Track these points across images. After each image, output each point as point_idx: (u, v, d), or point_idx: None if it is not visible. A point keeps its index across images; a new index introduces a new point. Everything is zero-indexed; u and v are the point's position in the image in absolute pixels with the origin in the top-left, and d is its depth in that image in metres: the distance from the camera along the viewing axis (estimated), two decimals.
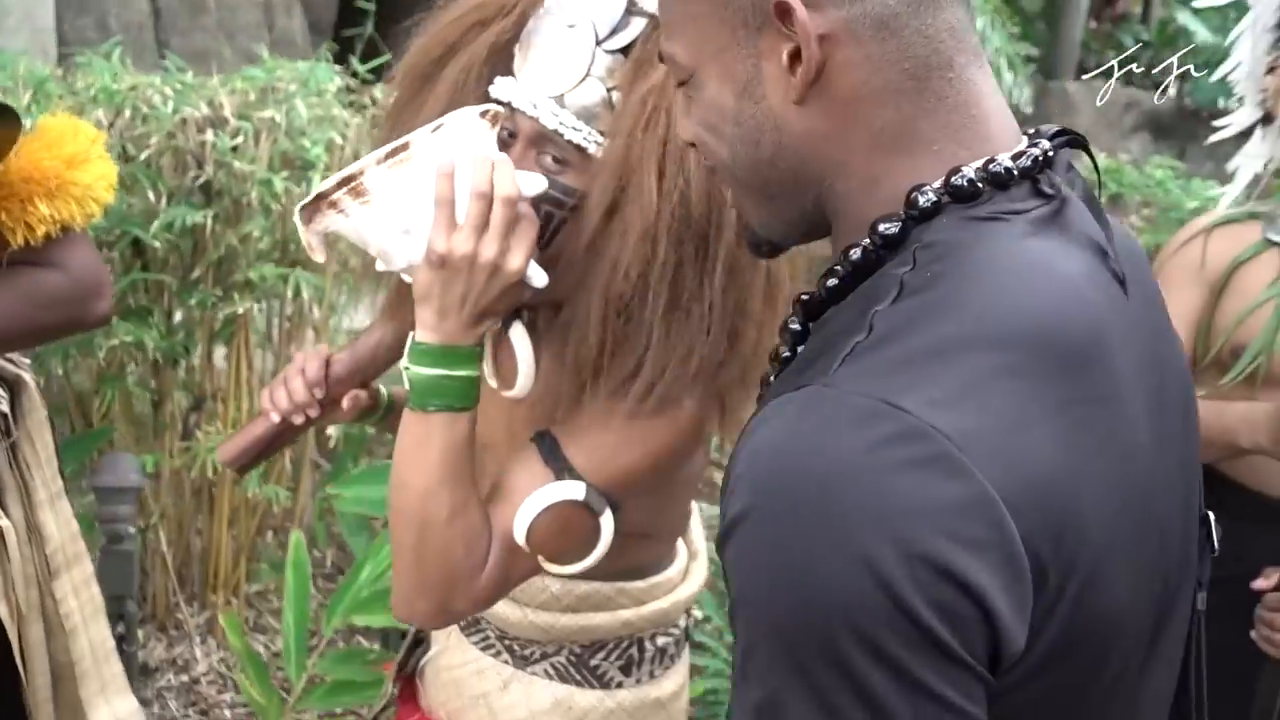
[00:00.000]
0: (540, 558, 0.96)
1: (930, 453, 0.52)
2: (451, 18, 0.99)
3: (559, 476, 0.94)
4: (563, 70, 0.92)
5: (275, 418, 1.16)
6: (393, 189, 0.86)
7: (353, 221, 0.87)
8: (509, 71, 0.96)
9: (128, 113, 1.92)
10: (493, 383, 1.08)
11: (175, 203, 2.00)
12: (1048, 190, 0.61)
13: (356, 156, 2.35)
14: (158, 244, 1.98)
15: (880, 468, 0.52)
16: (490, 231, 0.85)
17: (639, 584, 1.15)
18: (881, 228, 0.62)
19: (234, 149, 2.02)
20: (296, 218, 0.87)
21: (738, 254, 0.91)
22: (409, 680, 1.31)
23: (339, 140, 2.26)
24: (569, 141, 0.93)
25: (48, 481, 1.34)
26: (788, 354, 0.70)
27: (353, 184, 0.86)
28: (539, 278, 0.90)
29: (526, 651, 1.16)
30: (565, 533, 0.97)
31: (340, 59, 2.51)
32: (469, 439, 0.92)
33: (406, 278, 0.93)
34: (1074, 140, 0.65)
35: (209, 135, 1.98)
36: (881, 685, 0.51)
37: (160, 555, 2.42)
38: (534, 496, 0.94)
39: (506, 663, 1.18)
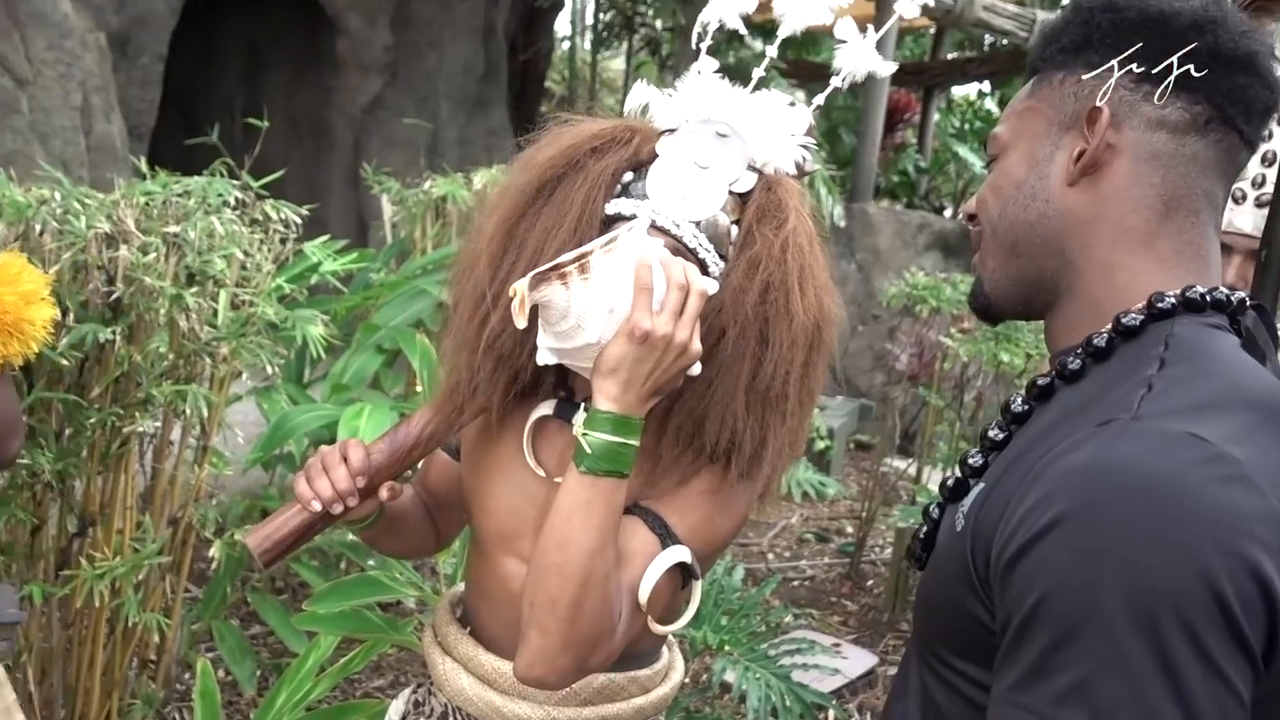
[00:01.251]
0: (649, 618, 1.06)
1: (1235, 472, 0.64)
2: (572, 141, 1.12)
3: (664, 544, 1.05)
4: (699, 201, 1.08)
5: (317, 506, 1.15)
6: (607, 272, 0.97)
7: (569, 294, 0.97)
8: (620, 193, 1.11)
9: (38, 227, 1.86)
10: (539, 472, 1.16)
11: (82, 319, 1.94)
12: (1246, 324, 0.80)
13: (259, 270, 2.35)
14: (65, 362, 1.90)
15: (1200, 480, 0.63)
16: (684, 318, 0.99)
17: (646, 671, 1.24)
18: (1124, 320, 0.78)
19: (145, 265, 1.98)
20: (523, 283, 0.96)
21: (824, 359, 1.10)
22: None
23: (239, 255, 2.25)
24: (700, 259, 1.08)
25: None
26: (1004, 431, 0.85)
27: (582, 262, 0.97)
28: (697, 367, 1.03)
29: None
30: (673, 595, 1.09)
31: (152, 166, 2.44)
32: (622, 505, 1.02)
33: (549, 356, 1.04)
34: (1258, 305, 0.84)
35: (122, 250, 1.94)
36: (1188, 665, 0.60)
37: (26, 694, 2.23)
38: (660, 559, 1.04)
39: None
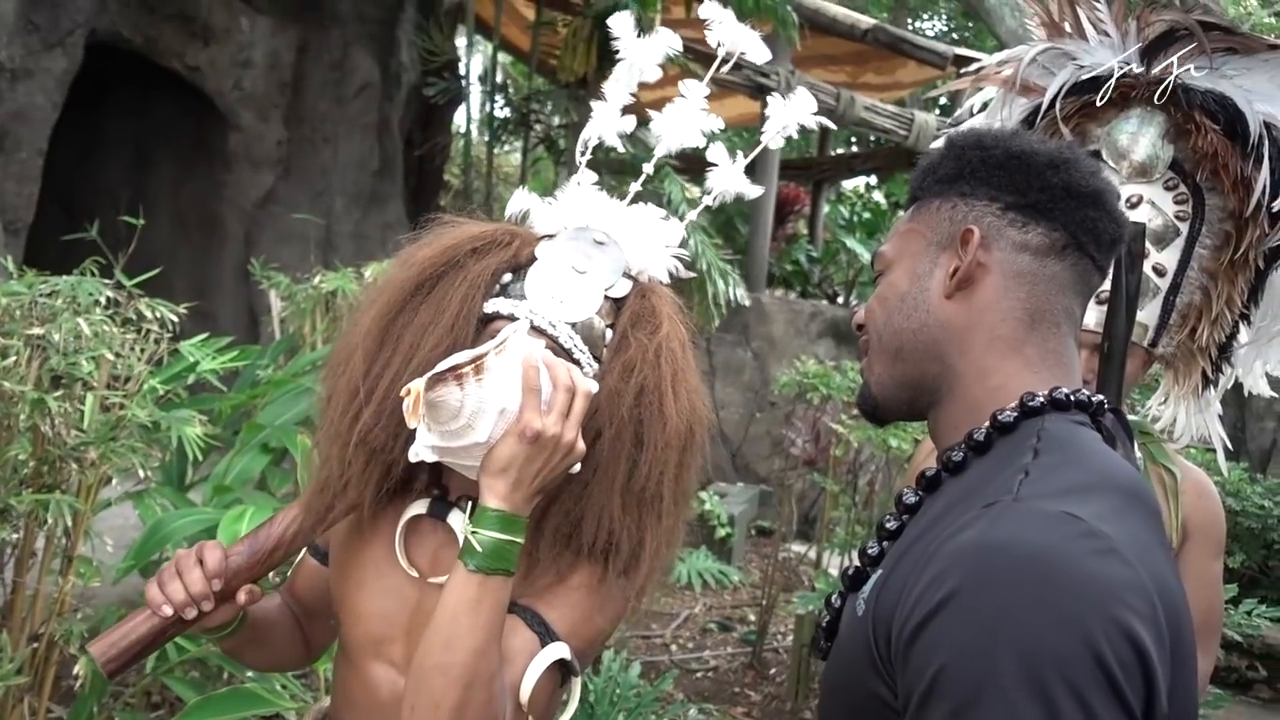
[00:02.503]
0: (530, 717, 1.04)
1: (1108, 546, 0.71)
2: (452, 241, 1.14)
3: (544, 642, 1.04)
4: (575, 304, 1.11)
5: (168, 611, 1.10)
6: (499, 374, 0.99)
7: (463, 395, 0.98)
8: (499, 293, 1.13)
9: None
10: (412, 572, 1.13)
11: None
12: (1105, 424, 0.89)
13: (132, 370, 2.27)
14: None
15: (1078, 553, 0.70)
16: (570, 419, 1.01)
17: None
18: (1000, 417, 0.86)
19: (4, 369, 1.90)
20: (419, 383, 0.96)
21: (697, 459, 1.12)
22: None
23: (110, 356, 2.17)
24: (575, 359, 1.10)
25: None
26: (897, 521, 0.91)
27: (478, 363, 0.98)
28: (577, 465, 1.05)
29: None
30: (552, 693, 1.08)
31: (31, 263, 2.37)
32: (507, 603, 1.02)
33: (443, 457, 1.03)
34: (1115, 409, 0.94)
35: None
36: None
37: None
38: (539, 657, 1.03)
39: None
